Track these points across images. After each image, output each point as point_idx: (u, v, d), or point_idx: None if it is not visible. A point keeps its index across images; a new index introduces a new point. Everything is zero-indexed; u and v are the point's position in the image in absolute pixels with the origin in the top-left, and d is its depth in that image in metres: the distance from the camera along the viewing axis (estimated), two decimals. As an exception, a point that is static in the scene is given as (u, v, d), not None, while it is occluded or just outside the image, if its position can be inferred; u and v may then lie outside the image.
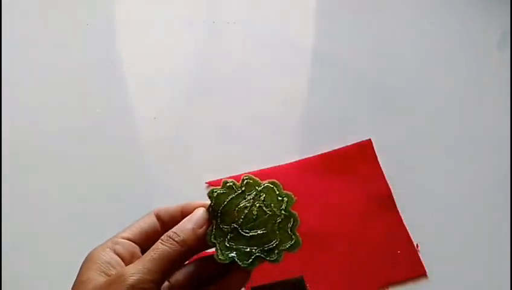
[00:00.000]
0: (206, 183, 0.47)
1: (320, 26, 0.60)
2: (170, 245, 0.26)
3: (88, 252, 0.39)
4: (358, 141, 0.49)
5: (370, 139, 0.49)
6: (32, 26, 0.58)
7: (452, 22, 0.59)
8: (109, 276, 0.26)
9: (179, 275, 0.29)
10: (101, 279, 0.26)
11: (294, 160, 0.48)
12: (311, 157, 0.48)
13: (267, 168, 0.48)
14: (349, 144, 0.49)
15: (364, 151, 0.49)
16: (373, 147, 0.49)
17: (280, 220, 0.28)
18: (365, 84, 0.54)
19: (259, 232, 0.27)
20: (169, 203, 0.46)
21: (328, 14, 0.61)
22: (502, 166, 0.49)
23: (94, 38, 0.57)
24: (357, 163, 0.48)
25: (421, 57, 0.56)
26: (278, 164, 0.48)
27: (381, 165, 0.48)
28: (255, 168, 0.48)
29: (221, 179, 0.46)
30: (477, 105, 0.53)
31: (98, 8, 0.60)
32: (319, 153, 0.49)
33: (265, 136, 0.51)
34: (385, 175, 0.47)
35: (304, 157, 0.48)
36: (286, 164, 0.48)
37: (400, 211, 0.45)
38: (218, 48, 0.57)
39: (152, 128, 0.51)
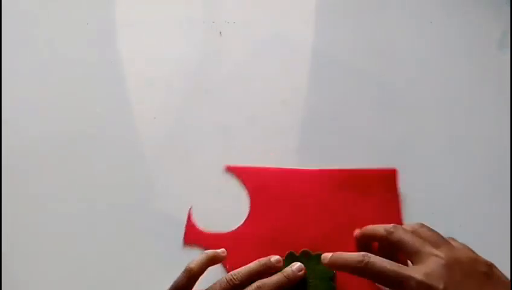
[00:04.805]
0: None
1: (320, 26, 0.60)
2: None
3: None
4: (383, 167, 0.48)
5: (395, 170, 0.48)
6: (32, 26, 0.58)
7: (452, 21, 0.59)
8: None
9: None
10: None
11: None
12: (332, 169, 0.48)
13: (287, 169, 0.48)
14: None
15: (386, 180, 0.47)
16: (396, 178, 0.47)
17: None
18: (365, 84, 0.54)
19: None
20: (169, 203, 0.46)
21: (328, 14, 0.61)
22: (503, 166, 0.49)
23: (94, 38, 0.57)
24: (376, 189, 0.47)
25: (421, 57, 0.56)
26: (295, 167, 0.48)
27: (400, 198, 0.46)
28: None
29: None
30: (477, 105, 0.53)
31: (98, 8, 0.60)
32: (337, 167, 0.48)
33: (265, 136, 0.51)
34: (401, 208, 0.46)
35: (323, 168, 0.48)
36: (304, 169, 0.48)
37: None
38: (218, 48, 0.57)
39: (152, 128, 0.51)
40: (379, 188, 0.47)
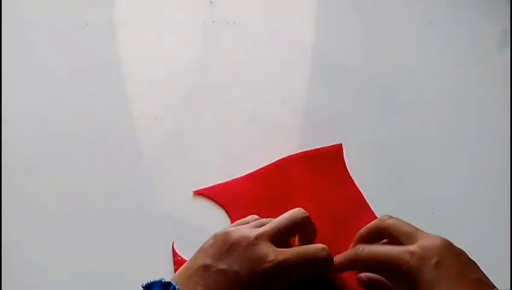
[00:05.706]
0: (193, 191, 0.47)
1: (320, 26, 0.60)
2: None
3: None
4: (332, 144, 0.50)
5: (341, 144, 0.49)
6: (32, 26, 0.58)
7: (452, 22, 0.59)
8: None
9: None
10: None
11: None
12: (284, 158, 0.48)
13: (240, 177, 0.48)
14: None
15: (333, 155, 0.49)
16: (342, 153, 0.49)
17: None
18: (365, 84, 0.55)
19: None
20: (169, 203, 0.46)
21: (328, 14, 0.61)
22: (502, 166, 0.49)
23: (94, 38, 0.57)
24: (325, 165, 0.48)
25: (421, 57, 0.56)
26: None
27: (349, 171, 0.48)
28: (255, 168, 0.48)
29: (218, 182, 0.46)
30: (477, 105, 0.53)
31: (98, 8, 0.60)
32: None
33: (265, 136, 0.51)
34: (354, 180, 0.48)
35: (273, 161, 0.48)
36: (263, 167, 0.48)
37: (376, 213, 0.45)
38: (218, 48, 0.57)
39: (152, 129, 0.51)
40: (328, 163, 0.48)
